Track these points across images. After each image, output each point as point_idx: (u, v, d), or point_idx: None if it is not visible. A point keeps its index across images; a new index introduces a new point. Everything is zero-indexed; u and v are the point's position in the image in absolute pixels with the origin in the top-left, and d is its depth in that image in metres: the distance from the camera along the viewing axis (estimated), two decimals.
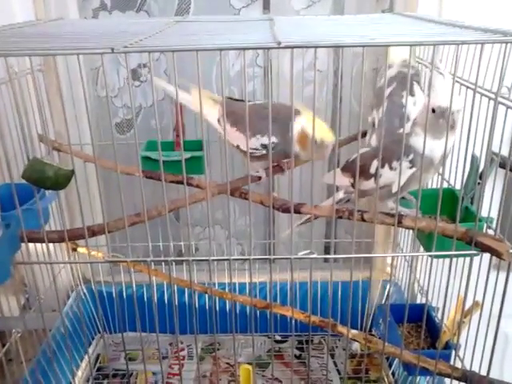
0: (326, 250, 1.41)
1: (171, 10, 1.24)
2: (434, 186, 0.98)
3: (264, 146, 0.83)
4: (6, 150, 0.71)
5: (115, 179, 0.99)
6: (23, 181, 0.73)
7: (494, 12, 1.00)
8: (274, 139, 0.80)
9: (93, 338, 1.29)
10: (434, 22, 0.79)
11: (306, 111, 0.78)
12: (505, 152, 0.70)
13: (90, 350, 1.25)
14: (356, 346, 1.24)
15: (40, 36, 0.75)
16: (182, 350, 1.28)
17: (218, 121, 0.89)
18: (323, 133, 0.77)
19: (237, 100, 0.93)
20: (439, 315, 0.96)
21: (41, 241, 0.76)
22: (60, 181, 0.68)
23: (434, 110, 0.69)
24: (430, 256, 0.76)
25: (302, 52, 1.16)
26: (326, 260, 1.36)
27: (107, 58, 1.23)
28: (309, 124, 0.73)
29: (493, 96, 0.66)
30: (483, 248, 0.69)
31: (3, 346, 0.90)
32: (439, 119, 0.69)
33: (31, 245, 0.79)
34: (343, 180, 0.84)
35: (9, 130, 0.89)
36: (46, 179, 0.68)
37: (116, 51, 0.54)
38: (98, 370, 1.22)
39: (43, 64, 1.05)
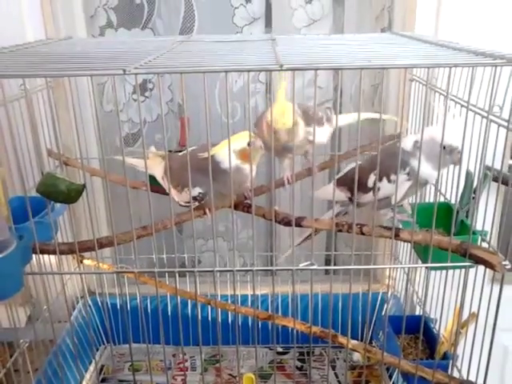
0: (327, 263, 1.43)
1: (176, 28, 1.27)
2: (431, 200, 1.00)
3: (195, 198, 0.82)
4: (19, 165, 0.74)
5: (120, 193, 1.02)
6: (33, 194, 0.76)
7: (487, 30, 1.04)
8: (199, 190, 0.81)
9: (97, 349, 1.30)
10: (430, 42, 0.82)
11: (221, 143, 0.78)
12: (498, 167, 0.73)
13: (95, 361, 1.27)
14: (357, 357, 1.26)
15: (53, 56, 0.78)
16: (186, 361, 1.29)
17: (162, 178, 0.90)
18: (242, 136, 0.78)
19: (179, 151, 0.94)
20: (437, 326, 0.98)
21: (51, 252, 0.79)
22: (72, 195, 0.71)
23: (444, 147, 0.73)
24: (427, 267, 0.78)
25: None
26: (326, 273, 1.39)
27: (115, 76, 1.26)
28: (233, 143, 0.73)
29: (485, 114, 0.69)
30: (477, 260, 0.72)
31: (11, 356, 0.92)
32: (446, 155, 0.74)
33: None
34: (339, 195, 0.85)
35: (20, 144, 0.92)
36: (58, 193, 0.71)
37: (128, 73, 0.57)
38: (102, 381, 1.23)
39: (53, 81, 1.08)
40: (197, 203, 0.83)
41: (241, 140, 0.78)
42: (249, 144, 0.78)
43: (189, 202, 0.83)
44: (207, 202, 0.83)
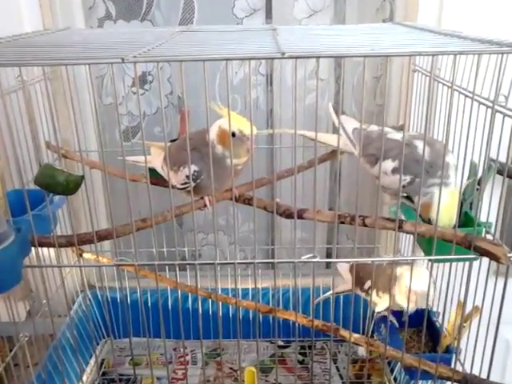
0: (328, 257, 1.42)
1: (175, 20, 1.26)
2: None
3: (188, 177, 0.81)
4: (17, 158, 0.73)
5: (119, 186, 1.01)
6: (31, 187, 0.75)
7: (491, 20, 1.02)
8: (194, 167, 0.81)
9: (97, 344, 1.30)
10: (433, 32, 0.81)
11: (223, 112, 0.78)
12: (503, 159, 0.72)
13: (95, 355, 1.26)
14: (362, 352, 1.25)
15: (50, 46, 0.77)
16: (186, 355, 1.29)
17: (162, 168, 0.90)
18: (240, 124, 0.77)
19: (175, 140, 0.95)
20: (440, 320, 0.97)
21: (50, 245, 0.78)
22: (70, 186, 0.70)
23: None
24: (430, 260, 0.77)
25: (303, 61, 1.18)
26: (327, 266, 1.38)
27: (114, 67, 1.25)
28: (226, 120, 0.74)
29: (490, 104, 0.68)
30: (481, 252, 0.71)
31: (10, 350, 0.92)
32: None
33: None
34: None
35: (18, 137, 0.91)
36: (57, 185, 0.70)
37: (126, 61, 0.56)
38: (103, 375, 1.23)
39: (50, 72, 1.07)
40: (193, 183, 0.82)
41: (233, 123, 0.75)
42: (233, 134, 0.76)
43: (185, 183, 0.83)
44: (205, 186, 0.82)
